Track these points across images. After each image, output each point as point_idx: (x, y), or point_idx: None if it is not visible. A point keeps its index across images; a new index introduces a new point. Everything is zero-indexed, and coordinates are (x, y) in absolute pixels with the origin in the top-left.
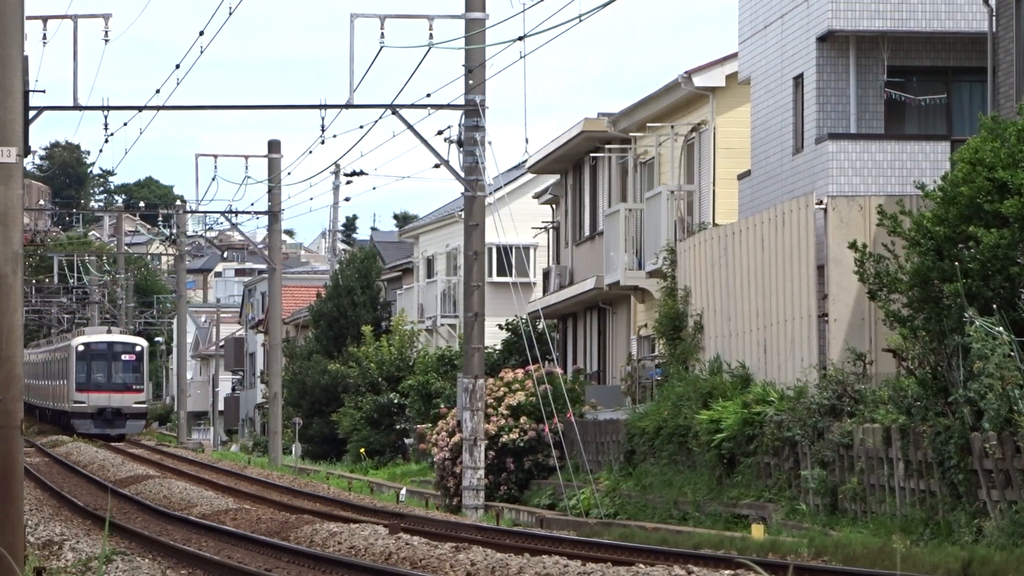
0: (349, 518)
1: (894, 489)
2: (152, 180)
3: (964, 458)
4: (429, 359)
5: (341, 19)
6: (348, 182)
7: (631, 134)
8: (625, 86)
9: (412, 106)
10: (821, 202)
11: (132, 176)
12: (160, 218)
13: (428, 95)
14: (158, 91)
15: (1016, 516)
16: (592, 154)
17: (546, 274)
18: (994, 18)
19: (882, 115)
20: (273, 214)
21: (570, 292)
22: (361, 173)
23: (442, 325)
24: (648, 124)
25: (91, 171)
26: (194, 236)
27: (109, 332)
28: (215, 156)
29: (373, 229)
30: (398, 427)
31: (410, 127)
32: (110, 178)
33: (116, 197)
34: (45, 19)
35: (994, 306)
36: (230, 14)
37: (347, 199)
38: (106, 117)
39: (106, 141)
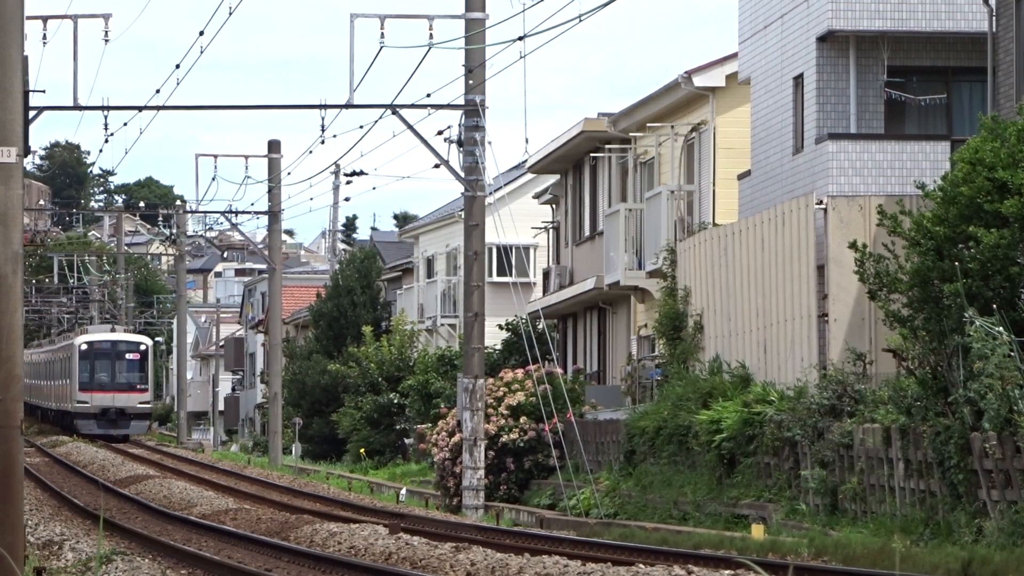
0: (349, 518)
1: (894, 489)
2: (152, 180)
3: (964, 458)
4: (429, 359)
5: (341, 19)
6: (348, 182)
7: (631, 134)
8: (625, 86)
9: (412, 106)
10: (821, 202)
11: (132, 176)
12: (160, 218)
13: (428, 95)
14: (158, 91)
15: (1016, 516)
16: (592, 154)
17: (546, 274)
18: (994, 18)
19: (882, 115)
20: (273, 214)
21: (570, 292)
22: (361, 173)
23: (442, 325)
24: (648, 124)
25: (91, 171)
26: (194, 236)
27: (113, 331)
28: (215, 156)
29: (373, 229)
30: (398, 427)
31: (410, 127)
32: (110, 178)
33: (116, 197)
34: (45, 19)
35: (994, 306)
36: (230, 14)
37: (347, 199)
38: (106, 117)
39: (106, 141)
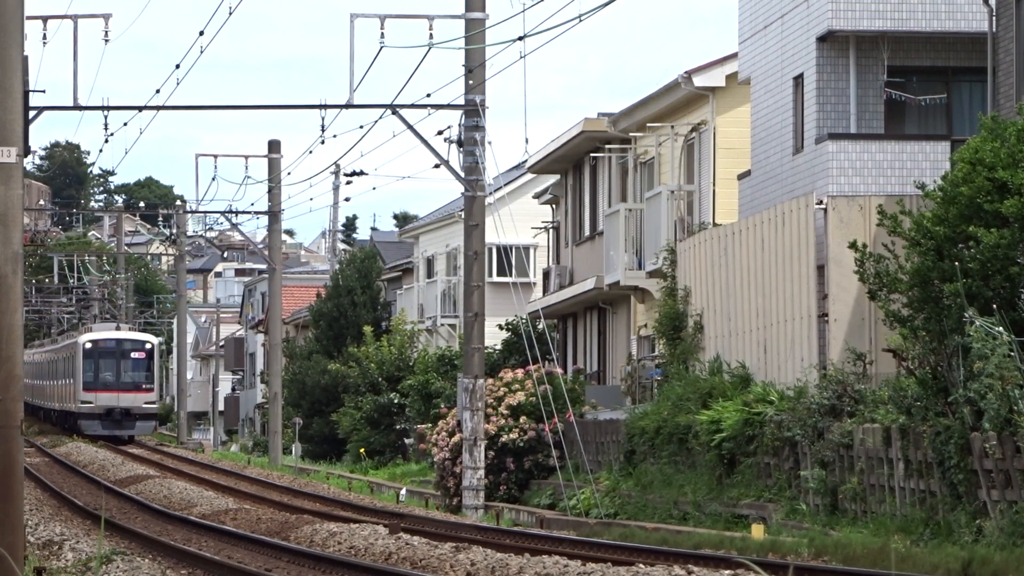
0: (349, 518)
1: (894, 489)
2: (152, 180)
3: (964, 458)
4: (429, 359)
5: (341, 19)
6: (348, 182)
7: (631, 134)
8: (625, 86)
9: (412, 106)
10: (821, 202)
11: (132, 176)
12: (160, 218)
13: (428, 95)
14: (158, 91)
15: (1016, 516)
16: (592, 154)
17: (546, 274)
18: (994, 18)
19: (882, 115)
20: (273, 214)
21: (570, 292)
22: (361, 173)
23: (442, 325)
24: (648, 124)
25: (91, 171)
26: (194, 236)
27: (118, 329)
28: (215, 156)
29: (373, 229)
30: (398, 427)
31: (410, 127)
32: (110, 178)
33: (116, 197)
34: (45, 19)
35: (994, 306)
36: (230, 14)
37: (347, 199)
38: (106, 117)
39: (106, 141)
